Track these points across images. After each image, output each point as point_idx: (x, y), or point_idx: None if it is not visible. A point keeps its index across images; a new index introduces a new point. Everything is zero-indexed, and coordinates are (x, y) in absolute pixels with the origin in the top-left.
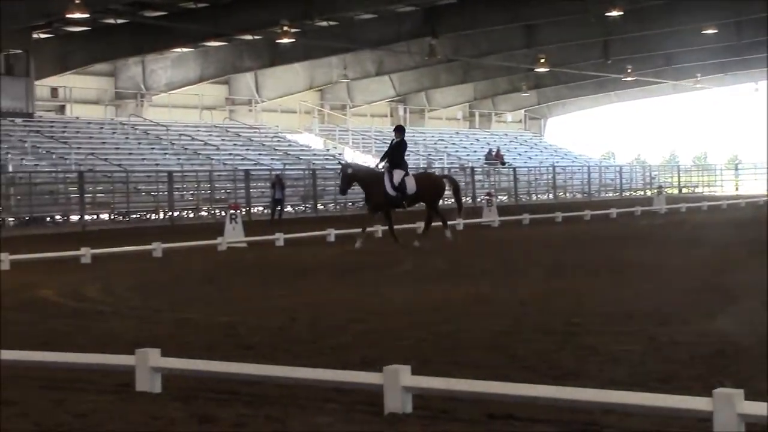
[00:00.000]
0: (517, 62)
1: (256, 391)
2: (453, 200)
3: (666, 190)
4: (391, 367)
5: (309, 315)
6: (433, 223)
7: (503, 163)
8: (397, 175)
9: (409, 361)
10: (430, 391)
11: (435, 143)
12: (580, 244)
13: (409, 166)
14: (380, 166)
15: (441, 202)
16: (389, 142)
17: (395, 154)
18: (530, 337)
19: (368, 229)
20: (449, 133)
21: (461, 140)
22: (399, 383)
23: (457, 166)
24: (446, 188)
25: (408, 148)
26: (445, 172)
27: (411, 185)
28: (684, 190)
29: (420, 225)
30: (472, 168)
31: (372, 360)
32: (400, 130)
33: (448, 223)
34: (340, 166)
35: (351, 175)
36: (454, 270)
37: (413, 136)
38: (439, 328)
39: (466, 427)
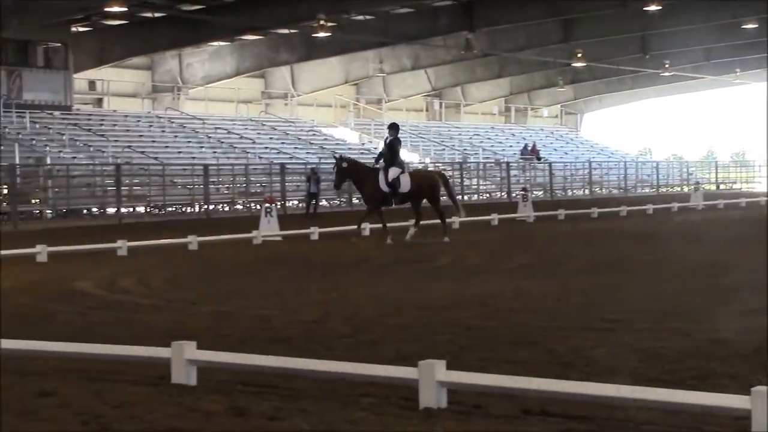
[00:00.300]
0: (553, 57)
1: (291, 384)
2: (447, 197)
3: (703, 186)
4: (426, 361)
5: (344, 309)
6: (448, 219)
7: (539, 159)
8: (393, 172)
9: (444, 355)
10: (465, 386)
11: (470, 138)
12: (616, 240)
13: (445, 160)
14: (377, 166)
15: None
16: (389, 141)
17: (390, 152)
18: (566, 333)
19: (387, 224)
20: (485, 127)
21: (497, 135)
22: (434, 378)
23: (492, 161)
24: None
25: (402, 145)
26: (481, 167)
27: (405, 183)
28: (722, 187)
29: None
30: (508, 163)
31: (407, 354)
32: (394, 127)
33: (419, 224)
34: (334, 160)
35: (345, 170)
36: (489, 265)
37: (449, 130)
38: (474, 322)
39: (501, 422)
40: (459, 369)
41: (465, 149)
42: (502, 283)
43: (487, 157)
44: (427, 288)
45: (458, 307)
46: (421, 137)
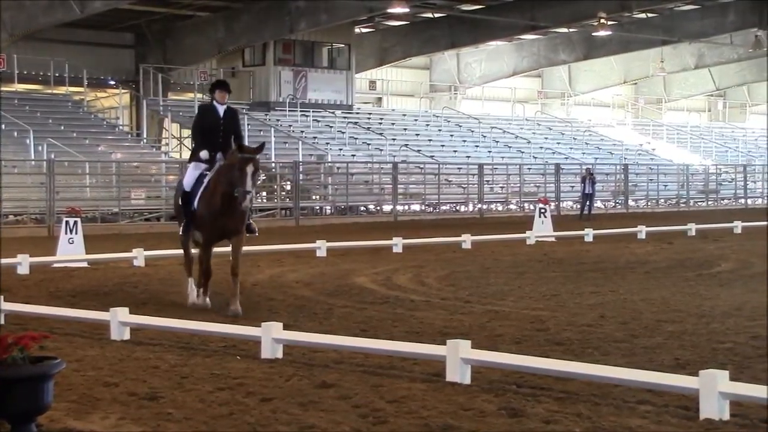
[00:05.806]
0: None
1: (566, 387)
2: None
3: None
4: (708, 371)
5: (619, 313)
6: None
7: None
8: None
9: (726, 365)
10: (750, 399)
11: (756, 140)
12: None
13: (728, 162)
14: (202, 155)
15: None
16: (226, 111)
17: (235, 134)
18: None
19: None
20: None
21: None
22: (716, 388)
23: None
24: None
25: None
26: (767, 171)
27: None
28: None
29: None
30: None
31: (686, 362)
32: (224, 86)
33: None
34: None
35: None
36: None
37: (732, 131)
38: (759, 331)
39: None
40: (743, 380)
41: (749, 151)
42: None
43: None
44: (707, 294)
45: (742, 315)
46: (703, 138)
